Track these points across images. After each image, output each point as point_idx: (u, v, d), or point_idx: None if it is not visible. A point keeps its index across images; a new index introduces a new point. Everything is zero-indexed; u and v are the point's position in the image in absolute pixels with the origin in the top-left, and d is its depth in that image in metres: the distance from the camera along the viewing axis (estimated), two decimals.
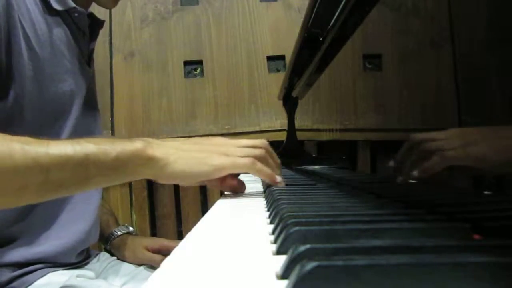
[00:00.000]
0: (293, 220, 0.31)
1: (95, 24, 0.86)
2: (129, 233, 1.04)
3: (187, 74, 1.61)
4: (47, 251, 0.74)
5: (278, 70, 1.63)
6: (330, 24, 0.77)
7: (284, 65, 1.61)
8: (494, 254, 0.19)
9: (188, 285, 0.21)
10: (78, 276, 0.76)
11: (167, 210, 1.57)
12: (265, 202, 0.53)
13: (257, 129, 1.58)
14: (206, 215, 0.45)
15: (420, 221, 0.31)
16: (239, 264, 0.25)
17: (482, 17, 0.33)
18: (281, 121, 1.54)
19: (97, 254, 0.94)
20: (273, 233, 0.33)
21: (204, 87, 1.59)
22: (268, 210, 0.45)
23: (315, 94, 1.05)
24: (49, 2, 0.74)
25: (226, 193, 0.66)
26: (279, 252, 0.26)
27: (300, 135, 1.25)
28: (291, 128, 1.28)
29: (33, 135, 0.49)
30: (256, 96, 1.59)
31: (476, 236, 0.28)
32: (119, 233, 1.02)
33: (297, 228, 0.27)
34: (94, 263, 0.90)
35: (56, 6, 0.75)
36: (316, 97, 1.03)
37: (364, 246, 0.23)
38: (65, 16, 0.78)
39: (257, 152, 0.59)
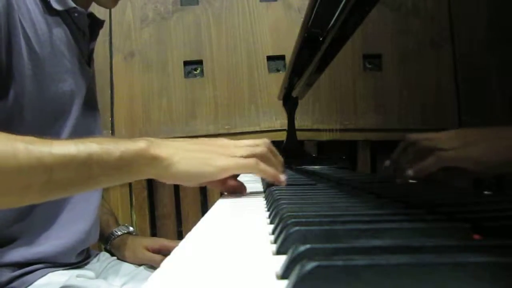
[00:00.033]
0: (293, 220, 0.31)
1: (95, 24, 0.87)
2: (129, 233, 1.04)
3: (187, 74, 1.62)
4: (47, 251, 0.74)
5: (278, 70, 1.63)
6: (330, 24, 0.77)
7: (284, 65, 1.61)
8: (494, 254, 0.19)
9: (188, 285, 0.21)
10: (78, 276, 0.76)
11: (167, 210, 1.57)
12: (265, 202, 0.53)
13: (257, 129, 1.58)
14: (206, 215, 0.45)
15: (420, 221, 0.31)
16: (239, 264, 0.25)
17: (482, 17, 0.33)
18: (281, 121, 1.54)
19: (97, 254, 0.94)
20: (273, 233, 0.33)
21: (204, 87, 1.59)
22: (268, 210, 0.45)
23: (315, 94, 1.05)
24: (49, 2, 0.74)
25: (226, 193, 0.66)
26: (279, 252, 0.26)
27: (300, 135, 1.25)
28: (291, 128, 1.28)
29: (33, 135, 0.49)
30: (256, 96, 1.59)
31: (476, 236, 0.28)
32: (119, 233, 1.02)
33: (297, 228, 0.27)
34: (94, 263, 0.90)
35: (56, 6, 0.75)
36: (316, 97, 1.03)
37: (364, 246, 0.23)
38: (65, 16, 0.78)
39: (259, 150, 0.59)
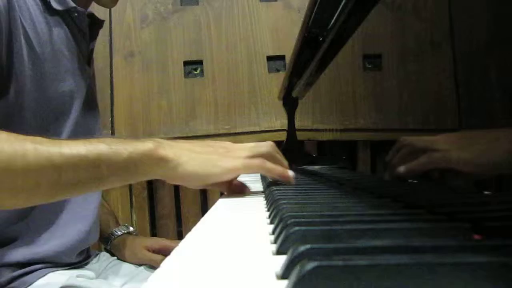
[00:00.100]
0: (293, 220, 0.31)
1: (95, 24, 0.87)
2: (129, 233, 1.04)
3: (187, 74, 1.61)
4: (48, 251, 0.74)
5: (278, 70, 1.63)
6: (330, 24, 0.77)
7: (284, 65, 1.61)
8: (494, 254, 0.19)
9: (188, 285, 0.21)
10: (78, 276, 0.76)
11: (167, 210, 1.57)
12: (265, 202, 0.53)
13: (257, 129, 1.57)
14: (206, 215, 0.45)
15: (420, 221, 0.31)
16: (239, 264, 0.25)
17: (482, 17, 0.33)
18: (281, 121, 1.54)
19: (97, 254, 0.94)
20: (273, 233, 0.33)
21: (204, 87, 1.59)
22: (268, 210, 0.45)
23: (315, 94, 1.05)
24: (49, 2, 0.74)
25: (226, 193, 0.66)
26: (279, 252, 0.26)
27: (300, 135, 1.25)
28: (291, 128, 1.28)
29: (34, 134, 0.49)
30: (256, 96, 1.59)
31: (476, 236, 0.28)
32: (119, 233, 1.02)
33: (297, 228, 0.27)
34: (94, 263, 0.90)
35: (56, 6, 0.75)
36: (316, 97, 1.03)
37: (364, 246, 0.23)
38: (65, 16, 0.78)
39: (264, 149, 0.60)
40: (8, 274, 0.70)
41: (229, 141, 0.63)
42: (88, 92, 0.84)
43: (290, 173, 0.61)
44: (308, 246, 0.22)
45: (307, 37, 0.90)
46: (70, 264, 0.80)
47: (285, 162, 0.63)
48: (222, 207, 0.51)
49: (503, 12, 0.31)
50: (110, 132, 1.55)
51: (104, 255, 0.97)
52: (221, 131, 1.57)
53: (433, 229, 0.29)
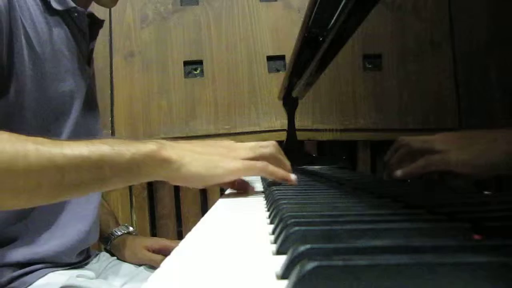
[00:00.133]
0: (293, 220, 0.31)
1: (95, 23, 0.87)
2: (129, 233, 1.04)
3: (187, 74, 1.61)
4: (48, 250, 0.74)
5: (278, 70, 1.63)
6: (330, 24, 0.77)
7: (284, 65, 1.61)
8: (494, 254, 0.19)
9: (188, 285, 0.21)
10: (78, 276, 0.76)
11: (167, 210, 1.57)
12: (265, 202, 0.53)
13: (257, 129, 1.57)
14: (206, 215, 0.45)
15: (420, 221, 0.31)
16: (239, 264, 0.25)
17: (482, 17, 0.33)
18: (281, 121, 1.54)
19: (97, 254, 0.94)
20: (273, 233, 0.33)
21: (204, 87, 1.59)
22: (268, 210, 0.45)
23: (315, 94, 1.05)
24: (50, 2, 0.74)
25: (226, 192, 0.66)
26: (279, 252, 0.26)
27: (300, 135, 1.25)
28: (291, 128, 1.29)
29: (34, 134, 0.49)
30: (256, 96, 1.59)
31: (476, 236, 0.28)
32: (119, 233, 1.02)
33: (297, 228, 0.27)
34: (94, 263, 0.90)
35: (56, 6, 0.75)
36: (316, 97, 1.03)
37: (364, 246, 0.23)
38: (65, 16, 0.78)
39: (267, 151, 0.59)
40: (8, 274, 0.70)
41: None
42: (88, 92, 0.84)
43: (293, 176, 0.61)
44: (308, 246, 0.22)
45: (307, 37, 0.90)
46: (70, 264, 0.80)
47: (288, 164, 0.63)
48: (222, 207, 0.51)
49: (503, 12, 0.31)
50: (110, 132, 1.55)
51: (104, 255, 0.97)
52: (221, 131, 1.57)
53: (433, 229, 0.29)
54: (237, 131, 1.57)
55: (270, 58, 1.62)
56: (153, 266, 0.97)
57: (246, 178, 0.67)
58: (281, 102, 1.35)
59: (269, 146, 0.61)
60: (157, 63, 1.59)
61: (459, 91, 0.36)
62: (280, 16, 1.62)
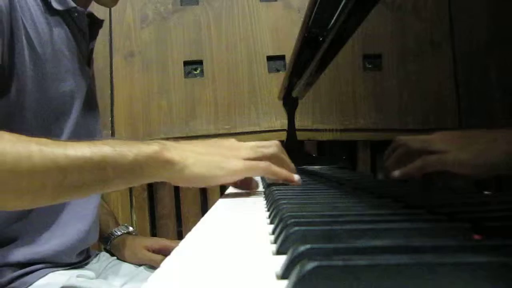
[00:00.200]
0: (293, 220, 0.31)
1: (95, 23, 0.87)
2: (129, 233, 1.04)
3: (187, 74, 1.61)
4: (48, 250, 0.74)
5: (278, 70, 1.63)
6: (330, 24, 0.77)
7: (284, 65, 1.61)
8: (494, 254, 0.19)
9: (188, 285, 0.21)
10: (78, 276, 0.76)
11: (167, 210, 1.57)
12: (265, 202, 0.53)
13: (257, 129, 1.57)
14: (206, 215, 0.45)
15: (420, 221, 0.31)
16: (239, 264, 0.25)
17: (482, 17, 0.33)
18: (281, 121, 1.54)
19: (97, 254, 0.94)
20: (273, 233, 0.33)
21: (204, 87, 1.59)
22: (268, 210, 0.45)
23: (315, 94, 1.05)
24: (50, 2, 0.74)
25: (226, 192, 0.66)
26: (279, 252, 0.26)
27: (300, 135, 1.25)
28: (291, 128, 1.29)
29: (34, 134, 0.49)
30: (256, 96, 1.59)
31: (476, 236, 0.28)
32: (119, 233, 1.02)
33: (297, 228, 0.27)
34: (94, 263, 0.90)
35: (57, 6, 0.75)
36: (316, 97, 1.03)
37: (364, 246, 0.23)
38: (66, 16, 0.78)
39: (271, 151, 0.59)
40: (9, 274, 0.70)
41: None
42: (88, 92, 0.84)
43: (296, 177, 0.60)
44: (308, 246, 0.22)
45: (307, 37, 0.91)
46: (70, 264, 0.80)
47: (291, 164, 0.63)
48: (222, 207, 0.51)
49: (503, 12, 0.31)
50: (110, 132, 1.55)
51: (104, 255, 0.97)
52: (221, 131, 1.57)
53: (433, 229, 0.29)
54: (237, 131, 1.57)
55: (270, 58, 1.62)
56: (153, 266, 0.97)
57: None
58: (281, 102, 1.35)
59: (272, 145, 0.61)
60: (157, 63, 1.59)
61: (459, 91, 0.36)
62: (280, 16, 1.62)
